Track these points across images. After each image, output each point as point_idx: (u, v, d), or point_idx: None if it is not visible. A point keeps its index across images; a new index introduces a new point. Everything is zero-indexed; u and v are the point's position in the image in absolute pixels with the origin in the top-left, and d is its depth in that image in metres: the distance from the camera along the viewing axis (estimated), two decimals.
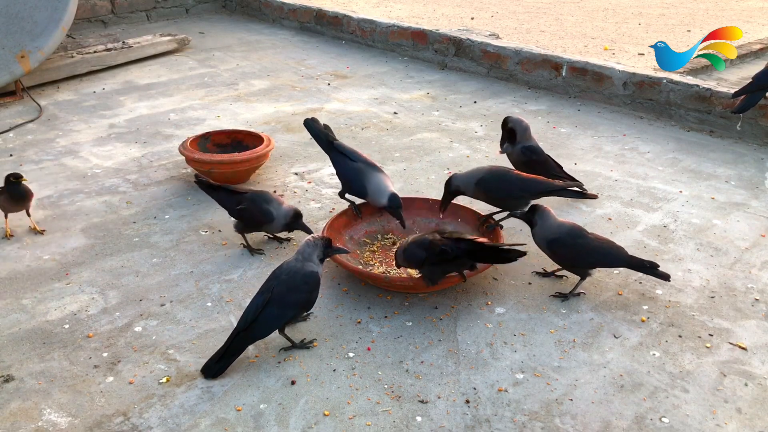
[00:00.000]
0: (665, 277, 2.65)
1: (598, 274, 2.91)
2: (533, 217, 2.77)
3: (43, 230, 3.13)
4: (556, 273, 2.87)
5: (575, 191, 3.16)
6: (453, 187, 3.10)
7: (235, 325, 2.54)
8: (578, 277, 2.76)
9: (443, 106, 5.00)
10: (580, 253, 2.70)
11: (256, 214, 2.99)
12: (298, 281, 2.37)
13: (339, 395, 2.23)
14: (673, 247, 3.11)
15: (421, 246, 2.56)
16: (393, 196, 3.00)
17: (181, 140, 4.01)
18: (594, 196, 3.28)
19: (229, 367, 2.34)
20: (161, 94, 5.23)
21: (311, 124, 3.29)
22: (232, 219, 3.12)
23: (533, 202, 2.97)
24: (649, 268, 2.65)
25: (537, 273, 2.90)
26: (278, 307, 2.33)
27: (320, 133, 3.26)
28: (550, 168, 3.45)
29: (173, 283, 2.85)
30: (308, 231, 3.01)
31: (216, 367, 2.30)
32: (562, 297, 2.74)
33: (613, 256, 2.69)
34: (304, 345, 2.44)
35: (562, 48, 7.01)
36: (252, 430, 2.09)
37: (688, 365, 2.38)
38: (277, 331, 2.41)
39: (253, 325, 2.31)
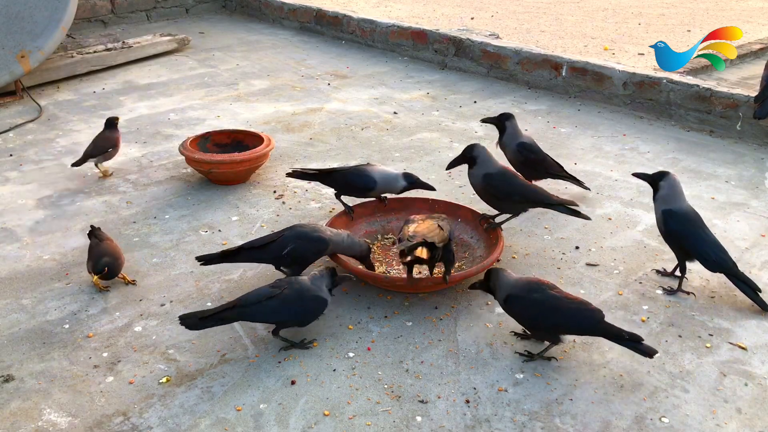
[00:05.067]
0: (649, 353, 2.20)
1: (597, 273, 2.91)
2: (490, 282, 2.47)
3: (134, 280, 2.84)
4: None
5: (570, 209, 2.98)
6: (471, 155, 3.00)
7: (234, 327, 2.55)
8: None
9: (443, 106, 5.00)
10: (540, 312, 2.31)
11: (311, 247, 2.68)
12: (309, 297, 2.40)
13: (339, 395, 2.23)
14: None
15: None
16: (407, 174, 3.10)
17: (181, 140, 4.01)
18: (587, 218, 3.01)
19: (229, 368, 2.34)
20: (161, 94, 5.23)
21: (294, 175, 3.27)
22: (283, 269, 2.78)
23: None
24: (628, 340, 2.21)
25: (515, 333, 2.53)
26: (280, 305, 2.35)
27: (303, 176, 3.27)
28: (549, 167, 3.43)
29: (173, 283, 2.85)
30: (369, 268, 2.82)
31: (197, 323, 2.32)
32: (529, 357, 2.39)
33: (580, 318, 2.26)
34: (303, 345, 2.44)
35: (562, 48, 7.00)
36: (252, 430, 2.09)
37: (688, 365, 2.38)
38: (272, 333, 2.42)
39: (251, 307, 2.34)
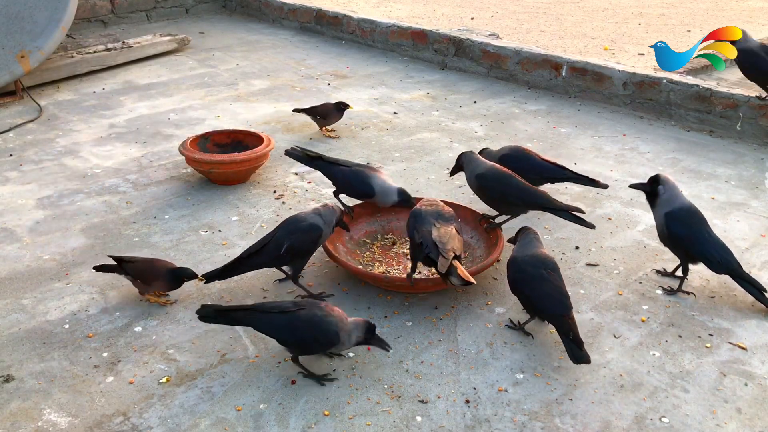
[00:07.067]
0: (585, 360, 2.26)
1: (597, 273, 2.91)
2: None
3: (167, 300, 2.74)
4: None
5: (574, 216, 2.90)
6: (460, 162, 3.16)
7: (235, 327, 2.55)
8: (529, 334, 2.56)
9: (443, 106, 5.00)
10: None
11: (306, 238, 2.68)
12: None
13: (339, 395, 2.23)
14: None
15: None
16: (401, 191, 3.03)
17: (181, 140, 4.01)
18: (591, 226, 2.88)
19: (229, 368, 2.34)
20: (161, 94, 5.23)
21: (292, 153, 3.32)
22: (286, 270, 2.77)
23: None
24: (571, 340, 2.29)
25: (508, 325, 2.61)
26: (288, 324, 2.25)
27: (303, 157, 3.28)
28: (543, 171, 3.27)
29: None
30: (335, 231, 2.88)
31: (211, 314, 2.33)
32: (513, 326, 2.57)
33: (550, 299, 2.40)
34: (322, 379, 2.30)
35: (562, 48, 7.00)
36: (252, 430, 2.10)
37: (688, 365, 2.38)
38: (291, 359, 2.32)
39: (260, 315, 2.28)
